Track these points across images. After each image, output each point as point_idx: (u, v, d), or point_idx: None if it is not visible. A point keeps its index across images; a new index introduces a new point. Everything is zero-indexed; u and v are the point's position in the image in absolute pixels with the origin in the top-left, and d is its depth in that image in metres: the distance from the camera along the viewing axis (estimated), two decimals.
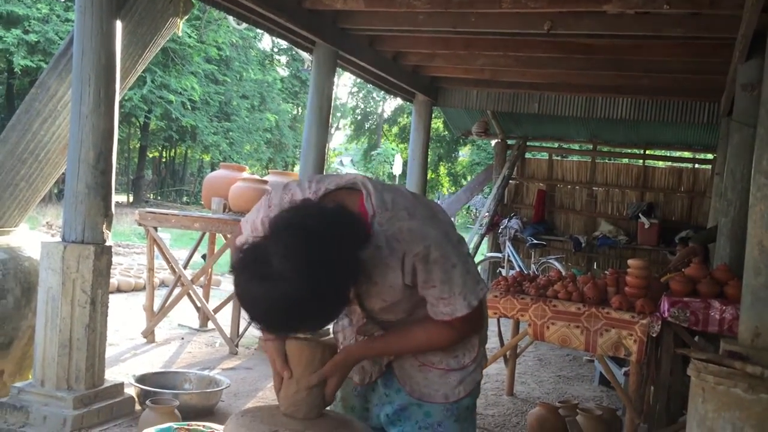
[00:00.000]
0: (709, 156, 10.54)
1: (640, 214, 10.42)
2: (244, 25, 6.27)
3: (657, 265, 9.01)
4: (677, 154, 13.29)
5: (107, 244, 3.99)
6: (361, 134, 38.81)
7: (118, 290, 8.31)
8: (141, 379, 4.30)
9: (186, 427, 3.27)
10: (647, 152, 11.31)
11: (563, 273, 6.23)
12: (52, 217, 13.93)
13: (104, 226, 3.96)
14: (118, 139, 4.08)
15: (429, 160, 9.87)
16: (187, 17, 4.68)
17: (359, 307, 1.84)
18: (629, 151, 11.47)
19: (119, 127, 4.05)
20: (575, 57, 6.52)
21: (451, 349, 1.88)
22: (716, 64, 6.03)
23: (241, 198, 6.26)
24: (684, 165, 11.20)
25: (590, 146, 11.30)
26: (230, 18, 6.02)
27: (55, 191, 20.26)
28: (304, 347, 1.67)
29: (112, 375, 4.52)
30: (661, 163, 12.11)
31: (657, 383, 4.28)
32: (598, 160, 11.44)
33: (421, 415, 1.89)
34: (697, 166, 10.87)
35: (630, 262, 4.42)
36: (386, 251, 1.65)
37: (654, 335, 4.02)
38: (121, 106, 4.15)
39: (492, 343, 6.40)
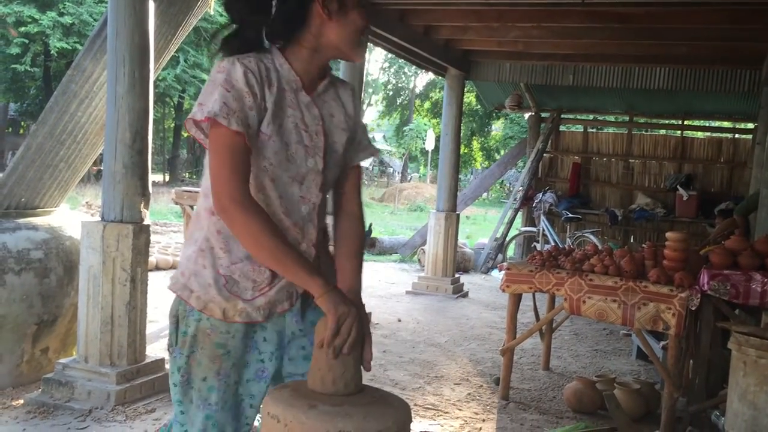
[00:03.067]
0: (750, 125, 10.30)
1: (678, 186, 10.26)
2: None
3: (696, 237, 8.87)
4: (716, 124, 13.00)
5: (145, 223, 4.06)
6: (393, 110, 38.65)
7: (157, 268, 8.45)
8: None
9: None
10: (685, 123, 11.09)
11: (599, 247, 6.16)
12: (91, 197, 14.18)
13: (142, 205, 4.02)
14: (153, 119, 4.12)
15: (462, 134, 9.79)
16: None
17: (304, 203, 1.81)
18: (666, 122, 11.25)
19: (154, 107, 4.09)
20: (610, 26, 6.40)
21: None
22: (756, 31, 5.87)
23: None
24: (723, 135, 10.96)
25: (626, 118, 11.12)
26: None
27: (94, 172, 20.59)
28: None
29: (153, 351, 4.62)
30: (699, 134, 11.86)
31: (696, 357, 4.23)
32: (634, 131, 11.26)
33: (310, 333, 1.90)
34: (737, 136, 10.63)
35: (668, 234, 4.35)
36: None
37: (693, 309, 3.96)
38: (155, 87, 4.19)
39: (527, 318, 6.40)
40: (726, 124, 11.68)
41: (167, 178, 26.38)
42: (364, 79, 7.78)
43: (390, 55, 14.21)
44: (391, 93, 39.18)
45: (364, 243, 1.93)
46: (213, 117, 1.64)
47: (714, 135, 11.21)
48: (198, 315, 1.78)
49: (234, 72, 1.68)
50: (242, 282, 1.78)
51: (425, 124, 32.45)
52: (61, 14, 19.30)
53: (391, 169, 40.32)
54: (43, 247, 4.17)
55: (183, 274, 1.82)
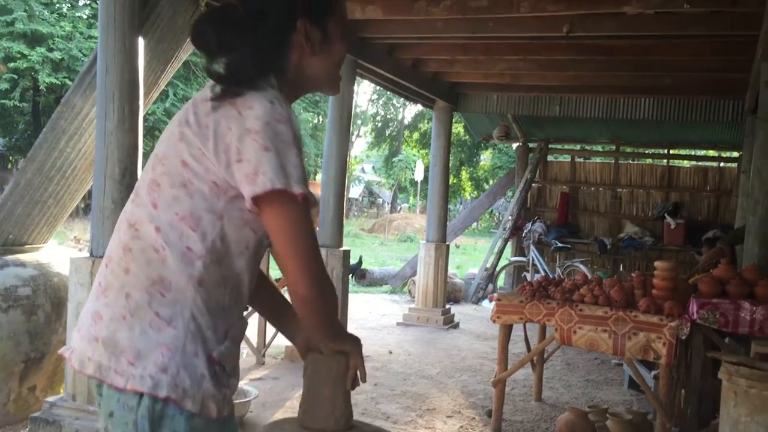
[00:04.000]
0: (735, 154, 10.43)
1: (665, 215, 10.33)
2: None
3: (684, 265, 8.91)
4: (702, 152, 13.15)
5: None
6: (382, 141, 38.83)
7: None
8: None
9: None
10: (671, 152, 11.21)
11: (589, 276, 6.18)
12: (79, 231, 14.11)
13: None
14: (142, 153, 4.13)
15: (450, 165, 9.86)
16: None
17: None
18: (653, 151, 11.37)
19: (143, 140, 4.10)
20: (595, 59, 6.50)
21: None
22: (739, 62, 5.97)
23: None
24: (709, 164, 11.09)
25: (613, 147, 11.23)
26: None
27: (82, 206, 20.53)
28: (323, 358, 1.68)
29: None
30: (686, 163, 12.01)
31: (688, 386, 4.22)
32: (621, 161, 11.36)
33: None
34: (722, 164, 10.75)
35: (657, 264, 4.38)
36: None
37: (683, 338, 3.97)
38: (144, 120, 4.20)
39: (519, 348, 6.38)
40: (711, 152, 11.84)
41: None
42: (353, 111, 7.82)
43: (378, 88, 14.33)
44: (380, 124, 39.40)
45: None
46: (306, 193, 1.41)
47: (700, 164, 11.35)
48: (188, 415, 1.42)
49: (295, 122, 1.43)
50: (227, 366, 1.50)
51: (414, 155, 32.61)
52: (51, 50, 19.37)
53: (380, 200, 40.39)
54: (31, 283, 4.14)
55: (164, 369, 1.40)
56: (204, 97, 1.49)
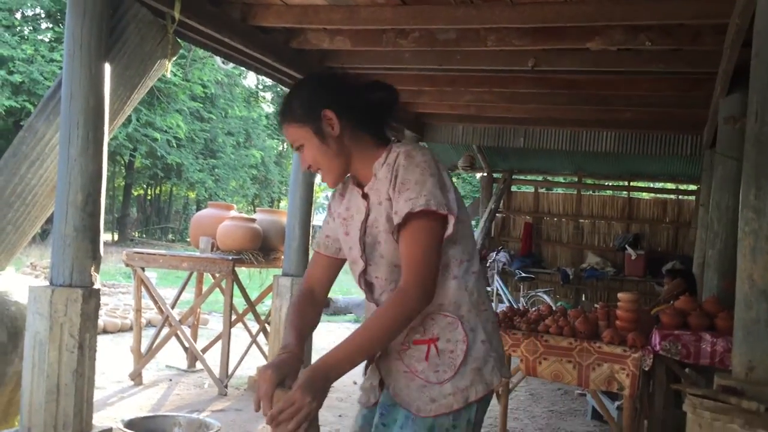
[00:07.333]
0: (693, 187, 10.67)
1: (626, 246, 10.49)
2: (231, 64, 6.31)
3: (645, 296, 9.05)
4: (661, 185, 13.44)
5: (95, 287, 3.95)
6: None
7: (104, 331, 8.21)
8: (130, 424, 4.21)
9: None
10: (631, 184, 11.43)
11: (552, 306, 6.22)
12: (36, 257, 13.78)
13: (93, 268, 3.92)
14: (105, 178, 4.07)
15: None
16: (175, 58, 4.70)
17: (366, 288, 1.95)
18: (613, 183, 11.59)
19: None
20: (559, 92, 6.61)
21: (434, 364, 1.85)
22: (698, 98, 6.13)
23: (229, 237, 6.24)
24: (668, 196, 11.32)
25: (575, 179, 11.42)
26: (216, 58, 6.07)
27: (39, 232, 20.10)
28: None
29: (99, 420, 4.44)
30: (645, 195, 12.23)
31: (651, 417, 4.26)
32: (583, 192, 11.55)
33: (396, 416, 1.89)
34: (681, 197, 10.99)
35: (620, 295, 4.44)
36: (390, 165, 1.88)
37: (646, 369, 4.01)
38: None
39: None
40: (670, 185, 12.10)
41: (116, 237, 25.87)
42: None
43: None
44: None
45: (384, 314, 1.78)
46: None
47: (659, 196, 11.57)
48: (475, 407, 1.86)
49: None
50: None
51: None
52: (11, 73, 19.09)
53: None
54: None
55: (466, 385, 1.85)
56: None
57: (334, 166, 1.92)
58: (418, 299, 1.75)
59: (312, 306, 2.04)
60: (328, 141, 1.88)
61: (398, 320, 1.75)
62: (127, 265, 6.33)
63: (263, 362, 6.46)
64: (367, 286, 1.96)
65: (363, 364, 1.97)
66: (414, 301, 1.75)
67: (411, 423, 1.84)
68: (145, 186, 32.16)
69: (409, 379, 1.86)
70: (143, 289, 6.25)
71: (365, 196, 1.93)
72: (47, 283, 3.90)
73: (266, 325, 6.62)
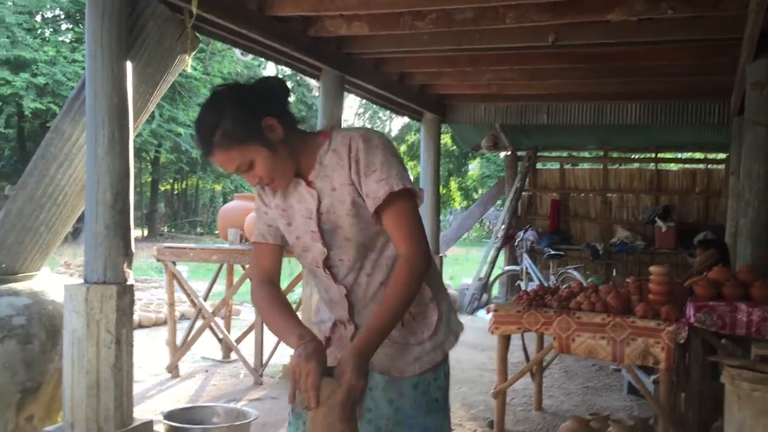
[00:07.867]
0: (722, 155, 10.50)
1: (656, 218, 10.37)
2: (250, 56, 6.33)
3: (677, 268, 8.93)
4: (689, 155, 13.25)
5: (129, 283, 4.01)
6: None
7: (140, 326, 8.34)
8: (169, 416, 4.29)
9: None
10: (659, 156, 11.27)
11: (583, 283, 6.18)
12: (69, 256, 14.02)
13: (125, 265, 3.98)
14: (133, 176, 4.12)
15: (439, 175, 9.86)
16: (194, 52, 4.73)
17: (329, 272, 2.01)
18: (640, 155, 11.44)
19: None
20: (581, 66, 6.53)
21: (410, 328, 2.00)
22: (723, 65, 6.02)
23: None
24: (697, 166, 11.16)
25: (601, 153, 11.30)
26: (235, 50, 6.09)
27: (71, 231, 20.41)
28: (326, 382, 1.69)
29: (139, 413, 4.52)
30: (673, 166, 12.06)
31: (688, 390, 4.23)
32: (609, 166, 11.42)
33: (375, 382, 1.98)
34: (710, 166, 10.83)
35: (652, 269, 4.39)
36: (340, 151, 1.91)
37: (681, 342, 3.98)
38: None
39: (517, 358, 6.37)
40: (698, 155, 11.92)
41: (146, 233, 26.17)
42: (341, 125, 7.85)
43: (365, 101, 14.39)
44: None
45: (400, 284, 1.86)
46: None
47: (687, 166, 11.40)
48: (447, 359, 2.12)
49: None
50: None
51: None
52: (35, 75, 19.31)
53: None
54: (25, 312, 4.10)
55: (442, 340, 2.05)
56: None
57: (288, 168, 1.94)
58: (424, 263, 1.90)
59: (281, 295, 2.09)
60: (277, 147, 1.89)
61: (412, 287, 1.87)
62: (158, 260, 6.42)
63: None
64: (330, 270, 2.02)
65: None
66: (421, 266, 1.88)
67: (395, 385, 2.01)
68: (171, 181, 32.46)
69: (386, 346, 1.92)
70: (175, 283, 6.33)
71: (310, 184, 1.96)
72: (82, 281, 3.97)
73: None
